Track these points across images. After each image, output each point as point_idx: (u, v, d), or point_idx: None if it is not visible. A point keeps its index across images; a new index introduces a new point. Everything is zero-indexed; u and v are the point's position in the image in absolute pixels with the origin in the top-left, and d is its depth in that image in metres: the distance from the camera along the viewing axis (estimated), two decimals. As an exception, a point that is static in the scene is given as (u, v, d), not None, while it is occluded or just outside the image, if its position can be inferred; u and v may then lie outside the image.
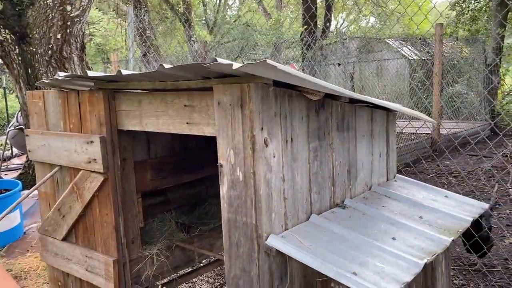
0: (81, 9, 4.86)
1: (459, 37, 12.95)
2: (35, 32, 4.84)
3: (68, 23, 4.81)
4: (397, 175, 2.20)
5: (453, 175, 6.24)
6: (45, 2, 4.70)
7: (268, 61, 1.15)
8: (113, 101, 1.93)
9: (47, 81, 1.95)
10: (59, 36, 4.83)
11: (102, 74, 1.91)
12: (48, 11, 4.73)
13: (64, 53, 4.93)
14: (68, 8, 4.74)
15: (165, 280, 2.32)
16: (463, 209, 1.87)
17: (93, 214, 2.06)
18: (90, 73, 1.82)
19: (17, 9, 4.84)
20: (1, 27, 4.77)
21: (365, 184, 1.99)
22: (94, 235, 2.08)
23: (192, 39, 16.20)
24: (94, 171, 1.96)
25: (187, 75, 1.52)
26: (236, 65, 1.21)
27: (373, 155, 2.04)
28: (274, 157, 1.48)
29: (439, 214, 1.80)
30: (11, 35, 4.84)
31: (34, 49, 4.89)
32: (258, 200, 1.45)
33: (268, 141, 1.45)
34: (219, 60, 1.24)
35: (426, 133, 7.86)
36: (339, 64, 10.03)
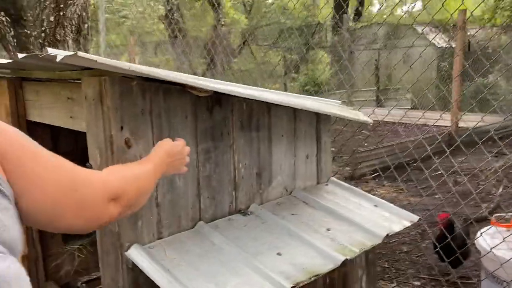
0: (75, -9, 4.82)
1: (497, 24, 12.16)
2: (29, 14, 4.87)
3: (61, 6, 4.79)
4: (333, 179, 2.01)
5: (463, 173, 5.86)
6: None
7: (80, 53, 1.00)
8: (20, 89, 1.85)
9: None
10: (51, 18, 4.83)
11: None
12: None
13: (58, 35, 4.93)
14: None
15: (87, 278, 2.25)
16: (385, 222, 1.67)
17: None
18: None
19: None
20: (-3, 9, 4.82)
21: (284, 188, 1.82)
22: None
23: (220, 22, 16.04)
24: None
25: (57, 66, 1.40)
26: (59, 57, 1.07)
27: (297, 157, 1.85)
28: (140, 158, 1.34)
29: (353, 226, 1.62)
30: (6, 17, 4.88)
31: (28, 32, 4.92)
32: (119, 206, 1.32)
33: (131, 142, 1.31)
34: (49, 50, 1.11)
35: (444, 126, 7.45)
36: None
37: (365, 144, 6.41)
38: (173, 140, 1.26)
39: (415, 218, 1.71)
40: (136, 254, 1.32)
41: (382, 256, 3.13)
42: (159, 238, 1.42)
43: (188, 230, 1.50)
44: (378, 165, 5.05)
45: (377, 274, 1.83)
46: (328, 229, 1.59)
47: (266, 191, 1.75)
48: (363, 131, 8.00)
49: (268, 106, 1.70)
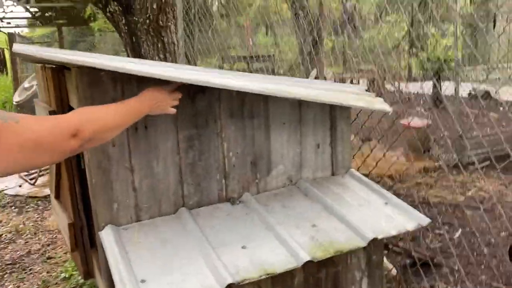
0: (175, -22, 5.12)
1: None
2: (136, 2, 5.33)
3: (166, 9, 5.14)
4: (352, 171, 1.85)
5: None
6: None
7: (14, 49, 1.10)
8: (63, 77, 2.07)
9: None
10: (154, 5, 5.21)
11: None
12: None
13: (160, 22, 5.30)
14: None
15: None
16: (384, 223, 1.49)
17: (62, 175, 2.29)
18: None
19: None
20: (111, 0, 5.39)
21: (287, 178, 1.74)
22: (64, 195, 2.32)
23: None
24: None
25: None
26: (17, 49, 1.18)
27: (303, 146, 1.75)
28: (113, 146, 1.42)
29: (343, 224, 1.48)
30: (119, 6, 5.42)
31: (136, 19, 5.39)
32: (93, 189, 1.42)
33: (102, 129, 1.39)
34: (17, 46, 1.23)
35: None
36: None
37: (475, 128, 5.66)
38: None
39: (425, 221, 1.49)
40: (106, 234, 1.41)
41: (452, 256, 2.79)
42: (138, 221, 1.50)
43: (170, 215, 1.54)
44: (492, 153, 4.44)
45: (382, 277, 1.65)
46: (313, 225, 1.49)
47: (264, 181, 1.70)
48: (491, 113, 7.06)
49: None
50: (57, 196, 2.50)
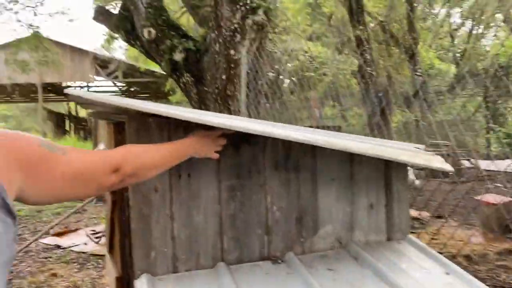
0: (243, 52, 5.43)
1: None
2: (207, 74, 5.66)
3: (232, 65, 5.43)
4: (411, 237, 1.68)
5: None
6: (214, 49, 5.46)
7: (67, 90, 1.16)
8: (123, 131, 2.17)
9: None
10: (224, 76, 5.50)
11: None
12: (216, 55, 5.47)
13: (228, 91, 5.56)
14: (232, 52, 5.37)
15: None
16: (444, 295, 1.30)
17: (115, 229, 2.32)
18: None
19: (196, 56, 5.78)
20: (184, 72, 5.78)
21: (335, 239, 1.61)
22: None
23: (416, 73, 15.61)
24: (107, 193, 2.22)
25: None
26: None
27: (355, 205, 1.63)
28: (156, 191, 1.41)
29: (395, 293, 1.31)
30: (191, 78, 5.79)
31: (206, 89, 5.70)
32: (132, 235, 1.41)
33: (145, 175, 1.40)
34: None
35: None
36: None
37: None
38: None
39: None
40: (141, 283, 1.36)
41: None
42: (175, 272, 1.44)
43: (208, 269, 1.47)
44: None
45: None
46: (361, 292, 1.33)
47: (310, 240, 1.58)
48: None
49: (312, 146, 1.57)
50: (110, 251, 2.52)
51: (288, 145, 1.54)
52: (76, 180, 1.01)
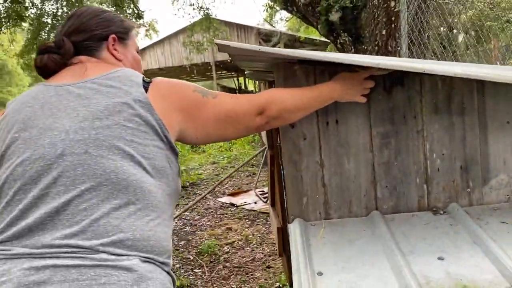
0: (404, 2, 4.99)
1: None
2: (366, 31, 5.39)
3: (393, 18, 5.06)
4: None
5: None
6: (373, 3, 5.16)
7: (216, 40, 1.23)
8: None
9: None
10: (384, 32, 5.16)
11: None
12: (375, 10, 5.16)
13: (389, 47, 5.21)
14: (392, 4, 4.99)
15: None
16: None
17: (276, 183, 2.43)
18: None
19: (354, 13, 5.55)
20: (342, 31, 5.61)
21: (511, 190, 1.39)
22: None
23: None
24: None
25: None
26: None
27: (538, 152, 1.37)
28: (304, 139, 1.42)
29: None
30: (349, 37, 5.59)
31: (365, 47, 5.45)
32: (285, 182, 1.45)
33: (294, 122, 1.41)
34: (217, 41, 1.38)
35: None
36: None
37: None
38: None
39: None
40: (294, 227, 1.40)
41: None
42: (327, 219, 1.44)
43: (361, 217, 1.43)
44: None
45: None
46: (543, 248, 1.13)
47: (479, 191, 1.40)
48: None
49: (481, 85, 1.37)
50: (273, 204, 2.67)
51: (450, 85, 1.37)
52: (226, 121, 1.10)
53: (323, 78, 1.40)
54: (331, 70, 1.39)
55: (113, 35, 1.17)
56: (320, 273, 1.15)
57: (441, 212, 1.39)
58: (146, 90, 1.02)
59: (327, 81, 1.36)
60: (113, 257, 0.86)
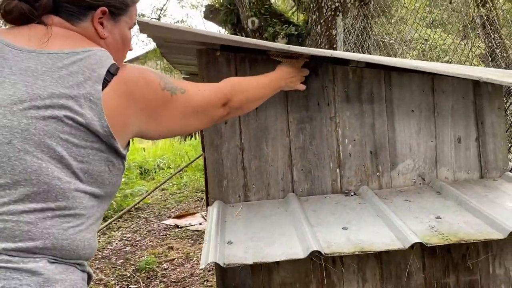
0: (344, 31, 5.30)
1: None
2: (310, 58, 5.65)
3: (334, 46, 5.33)
4: (509, 174, 1.48)
5: None
6: (316, 31, 5.43)
7: (139, 18, 1.25)
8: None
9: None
10: (326, 58, 5.41)
11: None
12: (318, 37, 5.43)
13: (331, 73, 5.45)
14: (333, 32, 5.28)
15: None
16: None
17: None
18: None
19: (299, 40, 5.81)
20: (288, 57, 5.84)
21: (418, 175, 1.49)
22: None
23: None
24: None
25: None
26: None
27: (439, 139, 1.49)
28: (225, 123, 1.47)
29: (479, 219, 1.18)
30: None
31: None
32: (207, 166, 1.48)
33: (215, 106, 1.46)
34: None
35: None
36: None
37: None
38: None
39: None
40: (212, 208, 1.42)
41: None
42: (246, 201, 1.47)
43: (278, 199, 1.48)
44: None
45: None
46: (438, 217, 1.22)
47: (387, 175, 1.49)
48: None
49: (388, 75, 1.48)
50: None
51: (360, 75, 1.48)
52: (192, 116, 1.07)
53: (244, 65, 1.47)
54: (251, 58, 1.46)
55: (104, 8, 0.96)
56: (230, 242, 1.18)
57: (352, 194, 1.46)
58: (107, 83, 0.88)
59: (246, 70, 1.43)
60: (16, 258, 0.77)
